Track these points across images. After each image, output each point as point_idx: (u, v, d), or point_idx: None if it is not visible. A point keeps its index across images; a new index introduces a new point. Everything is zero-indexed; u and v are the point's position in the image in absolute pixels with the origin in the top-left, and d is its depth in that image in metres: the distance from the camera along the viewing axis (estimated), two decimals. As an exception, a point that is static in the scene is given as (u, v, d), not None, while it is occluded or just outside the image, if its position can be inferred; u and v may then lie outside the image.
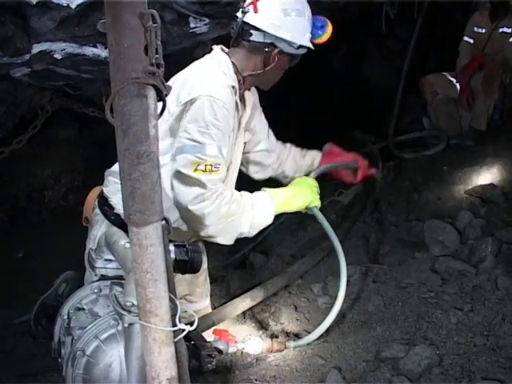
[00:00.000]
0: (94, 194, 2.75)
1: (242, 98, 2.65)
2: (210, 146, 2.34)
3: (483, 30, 4.63)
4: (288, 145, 3.08)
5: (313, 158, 3.06)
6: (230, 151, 2.59)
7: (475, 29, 4.69)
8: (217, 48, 2.60)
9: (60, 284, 2.59)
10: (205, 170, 2.34)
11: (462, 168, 4.07)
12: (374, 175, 3.18)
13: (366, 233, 3.89)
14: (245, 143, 2.81)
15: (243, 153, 2.84)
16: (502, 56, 4.36)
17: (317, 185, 2.76)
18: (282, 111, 2.97)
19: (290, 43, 2.51)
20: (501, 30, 4.47)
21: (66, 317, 2.12)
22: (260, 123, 2.90)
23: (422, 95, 4.96)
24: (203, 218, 2.34)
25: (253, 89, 2.78)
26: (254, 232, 2.55)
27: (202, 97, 2.34)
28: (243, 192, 2.52)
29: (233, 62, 2.53)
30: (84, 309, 2.11)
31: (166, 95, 1.40)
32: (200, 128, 2.33)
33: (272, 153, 2.98)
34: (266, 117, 2.91)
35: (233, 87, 2.48)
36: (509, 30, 4.42)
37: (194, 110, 2.34)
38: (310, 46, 2.56)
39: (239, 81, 2.55)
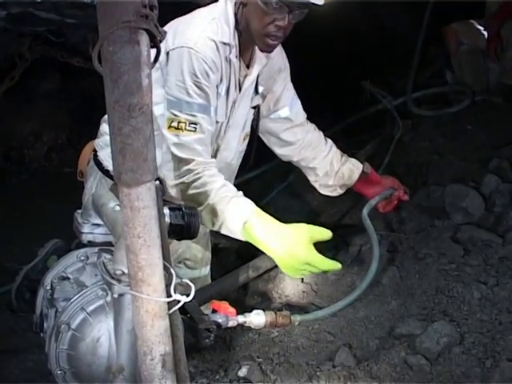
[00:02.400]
0: (90, 147, 2.80)
1: (250, 58, 2.64)
2: (186, 102, 2.36)
3: (518, -29, 4.55)
4: (330, 142, 3.09)
5: (351, 171, 3.06)
6: (224, 112, 2.59)
7: (508, -30, 4.61)
8: None
9: (49, 256, 2.60)
10: (177, 128, 2.36)
11: (488, 127, 4.04)
12: (406, 201, 3.23)
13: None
14: (255, 107, 2.80)
15: (260, 117, 2.88)
16: (538, 1, 4.30)
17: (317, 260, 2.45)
18: (290, 60, 2.94)
19: None
20: (538, -30, 4.39)
21: (49, 287, 2.14)
22: (284, 90, 2.90)
23: (445, 45, 4.90)
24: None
25: (281, 52, 2.79)
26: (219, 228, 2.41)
27: (182, 48, 2.36)
28: (226, 191, 2.37)
29: (236, 16, 2.50)
30: (69, 278, 2.11)
31: (161, 41, 1.38)
32: (177, 82, 2.36)
33: (296, 128, 2.99)
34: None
35: (224, 43, 2.46)
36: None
37: (172, 61, 2.38)
38: None
39: (240, 37, 2.53)
